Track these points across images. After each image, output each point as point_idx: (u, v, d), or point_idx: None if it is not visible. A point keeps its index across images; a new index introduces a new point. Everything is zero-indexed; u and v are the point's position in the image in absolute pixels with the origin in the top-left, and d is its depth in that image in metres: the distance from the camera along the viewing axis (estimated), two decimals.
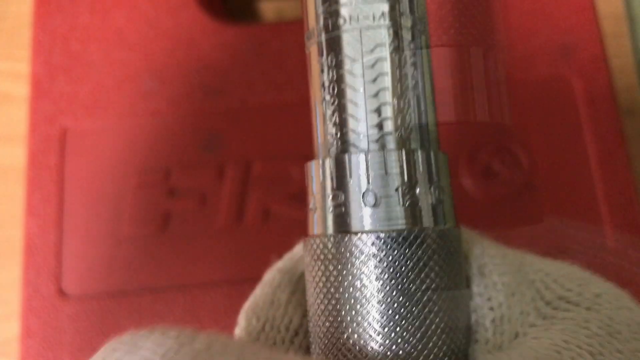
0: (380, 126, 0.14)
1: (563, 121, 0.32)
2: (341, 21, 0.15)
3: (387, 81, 0.14)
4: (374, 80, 0.14)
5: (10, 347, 0.32)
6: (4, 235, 0.35)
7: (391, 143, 0.14)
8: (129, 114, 0.34)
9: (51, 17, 0.36)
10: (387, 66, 0.14)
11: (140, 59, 0.35)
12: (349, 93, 0.15)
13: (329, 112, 0.15)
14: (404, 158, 0.14)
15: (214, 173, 0.33)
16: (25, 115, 0.35)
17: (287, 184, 0.33)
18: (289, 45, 0.35)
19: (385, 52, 0.14)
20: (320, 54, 0.15)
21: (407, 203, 0.14)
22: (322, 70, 0.15)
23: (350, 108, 0.15)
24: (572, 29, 0.34)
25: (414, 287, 0.14)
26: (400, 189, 0.14)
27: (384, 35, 0.15)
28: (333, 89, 0.15)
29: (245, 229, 0.32)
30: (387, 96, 0.14)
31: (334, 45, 0.15)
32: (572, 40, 0.34)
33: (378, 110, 0.14)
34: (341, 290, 0.14)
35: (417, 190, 0.14)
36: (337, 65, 0.15)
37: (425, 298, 0.14)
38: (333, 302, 0.14)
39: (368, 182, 0.14)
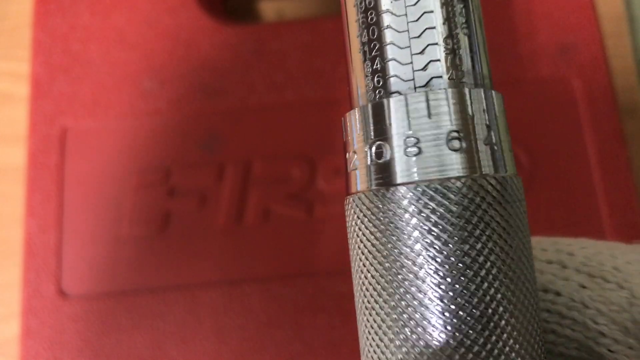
0: (427, 68, 0.13)
1: (563, 121, 0.32)
2: None
3: (433, 19, 0.13)
4: (418, 19, 0.13)
5: (10, 347, 0.32)
6: (4, 235, 0.35)
7: (441, 85, 0.13)
8: (129, 114, 0.34)
9: (51, 17, 0.36)
10: (432, 3, 0.13)
11: (140, 59, 0.35)
12: (391, 35, 0.13)
13: (368, 58, 0.14)
14: (456, 98, 0.13)
15: (214, 173, 0.33)
16: (25, 115, 0.35)
17: (287, 184, 0.33)
18: (289, 45, 0.35)
19: None
20: None
21: (462, 148, 0.13)
22: (360, 13, 0.14)
23: (393, 51, 0.13)
24: (572, 29, 0.34)
25: (473, 240, 0.13)
26: (453, 133, 0.13)
27: None
28: (372, 33, 0.14)
29: (245, 229, 0.32)
30: (434, 36, 0.13)
31: None
32: (572, 40, 0.34)
33: (424, 52, 0.13)
34: (391, 248, 0.13)
35: (473, 134, 0.13)
36: (377, 6, 0.14)
37: (487, 251, 0.13)
38: (385, 263, 0.13)
39: (410, 127, 0.13)
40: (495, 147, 0.13)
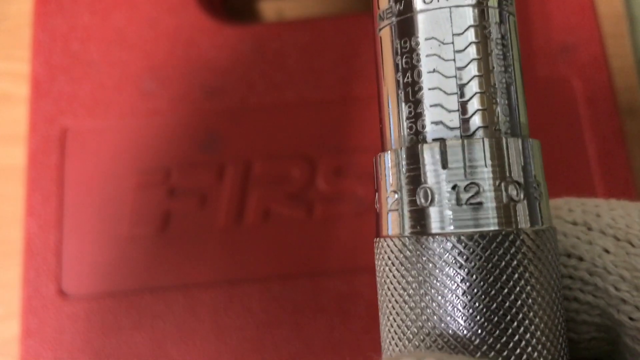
0: (472, 117, 0.13)
1: (563, 121, 0.32)
2: None
3: (479, 67, 0.13)
4: (466, 65, 0.13)
5: (10, 347, 0.32)
6: (4, 235, 0.35)
7: (481, 134, 0.13)
8: (129, 114, 0.34)
9: (51, 17, 0.36)
10: (478, 50, 0.13)
11: (140, 59, 0.35)
12: (437, 80, 0.13)
13: (410, 100, 0.13)
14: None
15: (214, 173, 0.33)
16: (25, 115, 0.35)
17: (287, 184, 0.33)
18: (289, 45, 0.35)
19: (479, 34, 0.13)
20: (400, 35, 0.13)
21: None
22: (401, 54, 0.13)
23: (439, 96, 0.13)
24: (572, 29, 0.34)
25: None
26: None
27: (478, 15, 0.13)
28: (418, 75, 0.13)
29: (245, 229, 0.32)
30: (480, 84, 0.13)
31: (417, 26, 0.13)
32: (572, 40, 0.34)
33: (471, 100, 0.13)
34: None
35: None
36: (424, 48, 0.13)
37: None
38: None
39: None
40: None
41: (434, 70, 0.13)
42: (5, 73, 0.38)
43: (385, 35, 0.14)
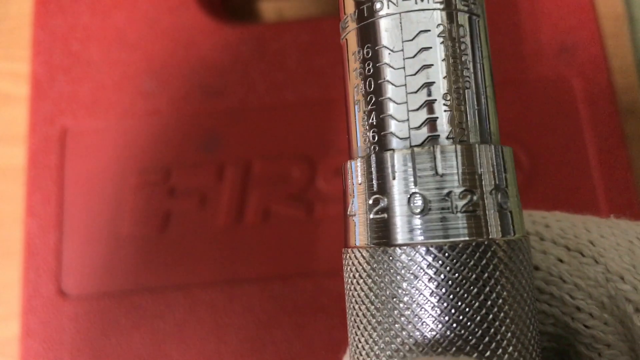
0: (423, 126, 0.12)
1: (563, 121, 0.32)
2: (378, 5, 0.13)
3: (433, 74, 0.12)
4: (416, 73, 0.12)
5: (10, 347, 0.32)
6: (4, 235, 0.35)
7: (442, 140, 0.12)
8: (129, 114, 0.34)
9: (51, 17, 0.36)
10: (433, 56, 0.12)
11: (140, 59, 0.35)
12: (388, 89, 0.13)
13: (364, 111, 0.13)
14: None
15: (214, 173, 0.33)
16: (25, 115, 0.35)
17: (287, 184, 0.33)
18: (289, 45, 0.35)
19: (431, 40, 0.12)
20: (355, 44, 0.13)
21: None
22: (357, 63, 0.13)
23: (389, 106, 0.13)
24: (572, 29, 0.34)
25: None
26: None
27: (430, 19, 0.12)
28: (370, 85, 0.13)
29: (245, 229, 0.32)
30: (434, 92, 0.12)
31: (370, 34, 0.13)
32: (572, 40, 0.34)
33: (421, 109, 0.12)
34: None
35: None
36: (375, 57, 0.13)
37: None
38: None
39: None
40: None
41: (384, 80, 0.13)
42: (5, 73, 0.38)
43: (350, 42, 0.14)
